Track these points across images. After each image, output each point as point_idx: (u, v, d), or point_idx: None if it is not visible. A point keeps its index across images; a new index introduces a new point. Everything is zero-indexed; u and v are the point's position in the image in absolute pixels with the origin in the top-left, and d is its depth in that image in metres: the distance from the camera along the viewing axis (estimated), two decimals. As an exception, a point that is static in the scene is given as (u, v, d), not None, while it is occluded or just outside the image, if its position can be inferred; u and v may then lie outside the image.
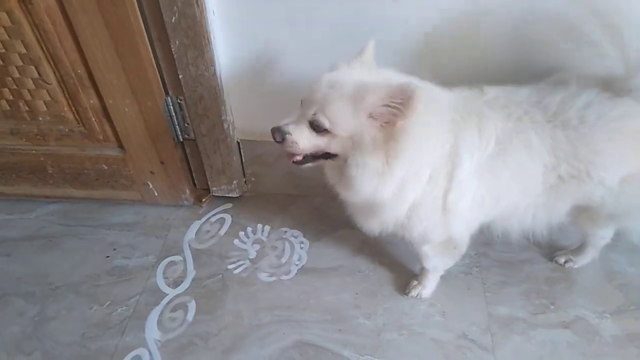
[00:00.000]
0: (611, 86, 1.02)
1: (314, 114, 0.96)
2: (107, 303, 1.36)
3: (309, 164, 1.06)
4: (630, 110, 1.01)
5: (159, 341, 1.27)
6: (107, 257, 1.49)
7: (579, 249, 1.40)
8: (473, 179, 1.06)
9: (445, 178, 1.05)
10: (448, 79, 1.08)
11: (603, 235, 1.32)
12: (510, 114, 1.05)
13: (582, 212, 1.18)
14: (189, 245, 1.52)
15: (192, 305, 1.35)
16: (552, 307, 1.34)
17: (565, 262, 1.42)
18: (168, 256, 1.49)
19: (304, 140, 0.99)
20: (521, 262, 1.45)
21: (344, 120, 0.95)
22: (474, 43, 1.22)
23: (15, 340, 1.28)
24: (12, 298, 1.38)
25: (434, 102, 1.00)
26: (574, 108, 1.02)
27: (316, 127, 0.97)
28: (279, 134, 1.00)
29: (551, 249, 1.46)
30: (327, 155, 1.02)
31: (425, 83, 1.04)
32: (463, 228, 1.15)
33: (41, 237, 1.55)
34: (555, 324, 1.29)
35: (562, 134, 1.03)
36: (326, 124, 0.96)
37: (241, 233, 1.55)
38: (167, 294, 1.38)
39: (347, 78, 0.98)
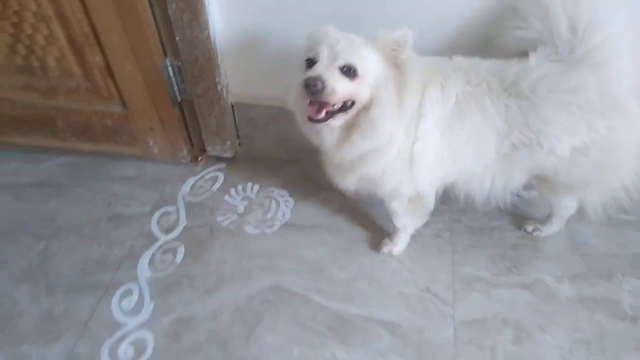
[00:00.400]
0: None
1: (346, 61, 1.04)
2: (105, 244, 1.50)
3: (328, 121, 1.09)
4: (581, 83, 1.08)
5: (149, 278, 1.40)
6: (109, 205, 1.63)
7: (546, 218, 1.48)
8: (435, 132, 1.15)
9: (413, 129, 1.14)
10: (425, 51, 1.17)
11: (566, 206, 1.39)
12: (470, 80, 1.13)
13: (542, 182, 1.27)
14: (183, 199, 1.64)
15: (181, 250, 1.48)
16: (515, 270, 1.42)
17: (533, 230, 1.50)
18: (163, 207, 1.61)
19: (340, 86, 1.04)
20: (491, 229, 1.54)
21: (372, 64, 1.07)
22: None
23: (23, 271, 1.43)
24: (21, 236, 1.53)
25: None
26: (528, 80, 1.10)
27: (348, 73, 1.04)
28: (321, 82, 1.02)
29: (521, 219, 1.54)
30: (347, 107, 1.09)
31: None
32: (427, 183, 1.24)
33: (50, 185, 1.70)
34: (515, 285, 1.38)
35: (515, 103, 1.11)
36: (359, 69, 1.04)
37: (232, 190, 1.67)
38: (159, 239, 1.51)
39: (350, 35, 1.09)
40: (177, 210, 1.60)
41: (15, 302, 1.36)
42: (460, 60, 1.17)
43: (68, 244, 1.50)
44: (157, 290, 1.38)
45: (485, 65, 1.15)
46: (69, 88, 1.55)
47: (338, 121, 1.11)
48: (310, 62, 1.08)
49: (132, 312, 1.33)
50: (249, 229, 1.54)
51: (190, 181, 1.70)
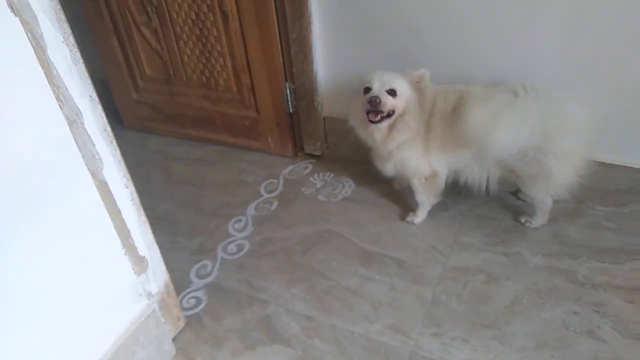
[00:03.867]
0: None
1: (390, 87, 1.78)
2: (232, 195, 2.36)
3: (382, 123, 1.81)
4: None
5: (253, 215, 2.21)
6: (238, 175, 2.51)
7: (533, 212, 1.96)
8: (439, 126, 1.81)
9: (426, 123, 1.83)
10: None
11: (543, 199, 1.88)
12: (462, 96, 1.78)
13: (512, 174, 1.81)
14: (283, 176, 2.46)
15: (275, 203, 2.27)
16: (501, 244, 1.92)
17: (525, 221, 1.99)
18: (270, 180, 2.44)
19: (389, 101, 1.78)
20: (493, 218, 2.05)
21: (405, 89, 1.79)
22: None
23: (182, 203, 2.35)
24: (186, 185, 2.47)
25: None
26: (494, 97, 1.71)
27: (391, 93, 1.78)
28: (378, 98, 1.73)
29: (519, 214, 2.04)
30: (390, 115, 1.81)
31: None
32: (437, 163, 1.88)
33: (206, 160, 2.65)
34: (498, 252, 1.89)
35: None
36: (398, 91, 1.79)
37: (315, 175, 2.44)
38: (264, 196, 2.33)
39: (391, 72, 1.82)
40: (278, 182, 2.42)
41: (176, 217, 2.26)
42: (460, 86, 1.83)
43: (211, 192, 2.40)
44: (256, 222, 2.17)
45: (473, 89, 1.79)
46: (228, 99, 2.51)
47: (385, 123, 1.83)
48: (367, 89, 1.83)
49: (239, 230, 2.14)
50: (321, 197, 2.28)
51: (290, 167, 2.52)
